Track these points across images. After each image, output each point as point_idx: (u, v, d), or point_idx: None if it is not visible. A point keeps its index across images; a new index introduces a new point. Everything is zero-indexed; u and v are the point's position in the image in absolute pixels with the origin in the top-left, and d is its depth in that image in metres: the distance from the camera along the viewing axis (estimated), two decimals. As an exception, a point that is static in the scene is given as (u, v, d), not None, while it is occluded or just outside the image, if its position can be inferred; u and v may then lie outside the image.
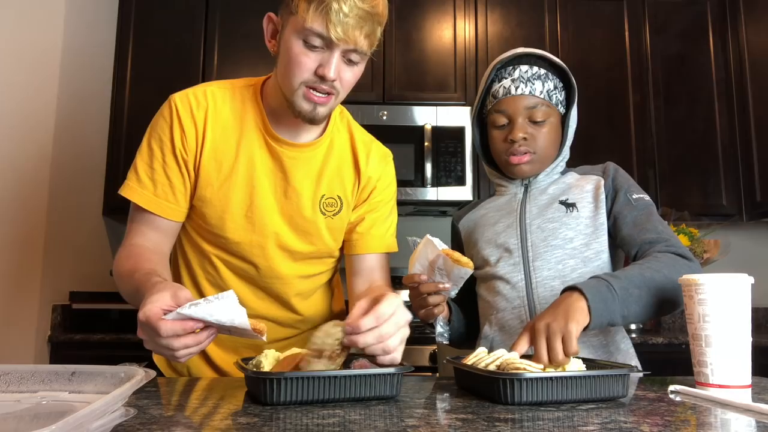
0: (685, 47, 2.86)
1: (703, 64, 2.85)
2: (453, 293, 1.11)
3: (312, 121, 1.07)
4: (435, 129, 2.63)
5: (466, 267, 1.04)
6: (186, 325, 0.80)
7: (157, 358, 1.28)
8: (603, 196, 1.22)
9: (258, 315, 1.18)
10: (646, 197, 1.21)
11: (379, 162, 1.24)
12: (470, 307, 1.31)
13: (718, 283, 0.89)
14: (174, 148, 1.10)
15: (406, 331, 0.88)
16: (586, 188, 1.24)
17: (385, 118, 2.61)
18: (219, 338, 1.19)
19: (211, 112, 1.11)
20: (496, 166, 1.32)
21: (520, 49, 1.27)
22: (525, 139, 1.22)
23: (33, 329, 2.21)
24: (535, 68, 1.24)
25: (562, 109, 1.27)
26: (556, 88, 1.25)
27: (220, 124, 1.12)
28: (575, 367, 0.87)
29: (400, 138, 2.46)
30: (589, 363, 0.90)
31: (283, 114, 1.12)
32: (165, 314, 0.80)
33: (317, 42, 1.00)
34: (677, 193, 2.72)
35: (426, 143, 2.59)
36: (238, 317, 0.80)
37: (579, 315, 0.96)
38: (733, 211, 2.75)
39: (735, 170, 2.77)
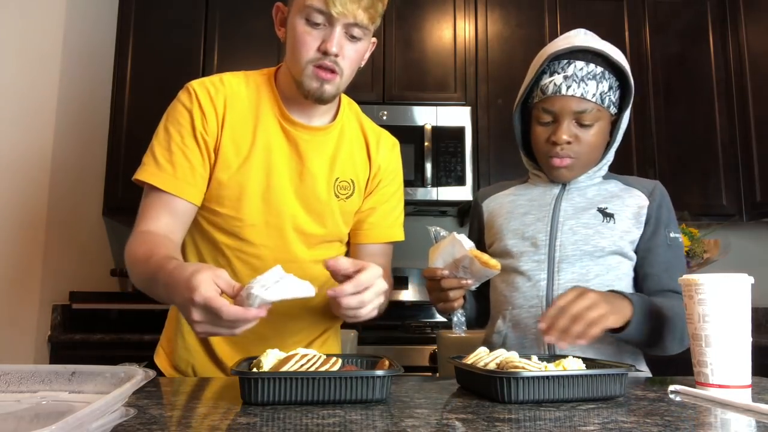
0: (685, 47, 2.86)
1: (703, 64, 2.85)
2: (473, 288, 1.11)
3: (320, 99, 1.10)
4: (435, 129, 2.63)
5: (493, 269, 1.04)
6: (249, 313, 0.83)
7: (158, 359, 1.27)
8: (644, 219, 1.19)
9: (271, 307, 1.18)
10: (680, 237, 1.20)
11: (389, 150, 1.28)
12: (481, 287, 1.29)
13: (718, 283, 0.88)
14: (194, 131, 1.12)
15: (380, 300, 0.97)
16: (628, 202, 1.20)
17: (385, 118, 2.61)
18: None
19: (229, 97, 1.15)
20: (532, 156, 1.28)
21: (578, 41, 1.17)
22: (569, 143, 1.17)
23: (33, 329, 2.21)
24: (592, 66, 1.16)
25: (614, 110, 1.20)
26: (611, 88, 1.18)
27: (237, 109, 1.15)
28: (575, 366, 0.87)
29: (400, 138, 2.45)
30: (588, 362, 0.90)
31: (295, 99, 1.15)
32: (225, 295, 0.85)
33: (319, 19, 1.05)
34: (677, 193, 2.69)
35: (426, 143, 2.59)
36: (308, 290, 0.87)
37: (618, 317, 1.00)
38: (733, 211, 2.76)
39: (735, 170, 2.77)
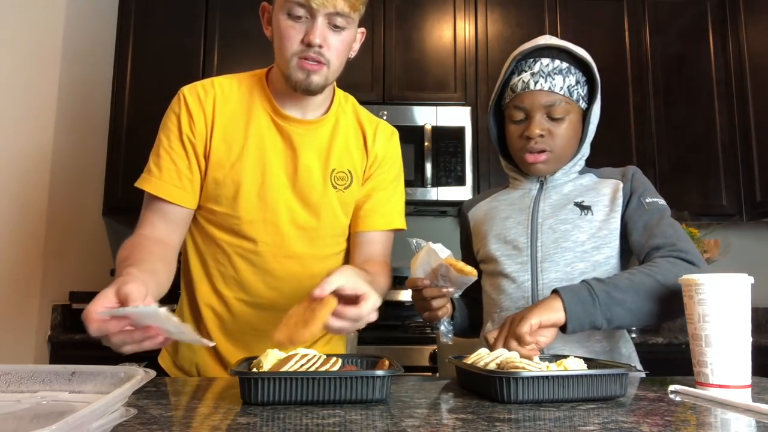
0: (685, 47, 2.86)
1: (703, 64, 2.85)
2: (456, 295, 1.11)
3: (308, 90, 1.12)
4: (435, 129, 2.63)
5: (470, 276, 1.04)
6: (110, 326, 0.80)
7: (162, 359, 1.27)
8: (620, 201, 1.19)
9: (270, 305, 1.18)
10: (660, 201, 1.19)
11: (387, 140, 1.28)
12: (475, 294, 1.30)
13: (718, 283, 0.88)
14: (181, 134, 1.15)
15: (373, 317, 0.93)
16: (604, 191, 1.21)
17: (385, 118, 2.61)
18: (229, 332, 1.19)
19: (219, 98, 1.17)
20: (512, 159, 1.30)
21: (542, 40, 1.22)
22: (542, 136, 1.18)
23: (33, 329, 2.21)
24: (557, 62, 1.19)
25: (583, 104, 1.23)
26: (578, 82, 1.21)
27: (228, 109, 1.17)
28: (576, 366, 0.87)
29: (400, 138, 2.48)
30: (590, 363, 0.90)
31: (288, 94, 1.17)
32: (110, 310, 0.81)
33: (300, 12, 1.07)
34: (677, 193, 2.72)
35: (426, 143, 2.59)
36: (164, 319, 0.79)
37: (545, 311, 1.00)
38: (733, 211, 2.76)
39: (735, 170, 2.77)
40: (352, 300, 0.90)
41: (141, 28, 2.74)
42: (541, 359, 0.91)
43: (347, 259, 1.29)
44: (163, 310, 0.79)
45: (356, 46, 1.19)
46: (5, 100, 2.26)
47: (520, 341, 0.97)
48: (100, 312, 0.79)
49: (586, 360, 0.91)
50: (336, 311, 0.87)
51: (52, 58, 2.33)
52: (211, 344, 0.84)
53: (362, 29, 1.20)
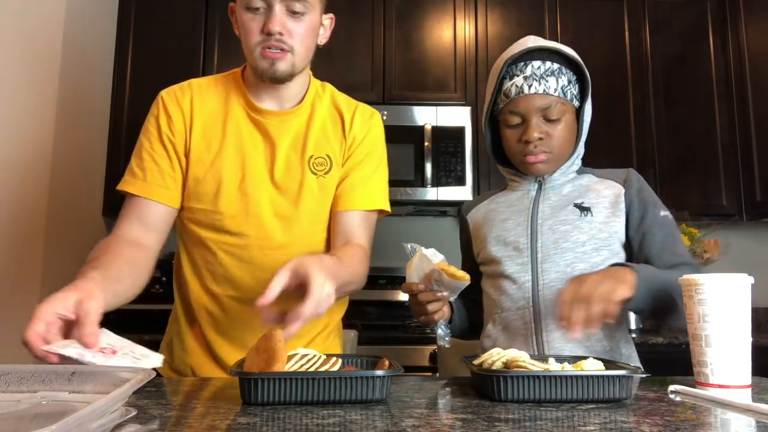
0: (685, 47, 2.86)
1: (703, 64, 2.85)
2: (451, 299, 1.12)
3: (274, 78, 1.14)
4: (435, 129, 2.63)
5: (462, 280, 1.05)
6: (52, 359, 0.81)
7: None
8: (623, 206, 1.20)
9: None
10: (670, 215, 1.21)
11: (365, 121, 1.27)
12: (474, 296, 1.30)
13: (718, 283, 0.88)
14: (161, 135, 1.18)
15: (331, 300, 0.93)
16: (604, 193, 1.22)
17: (385, 118, 2.60)
18: (223, 331, 1.19)
19: (196, 97, 1.20)
20: (508, 162, 1.30)
21: (530, 42, 1.22)
22: (540, 139, 1.19)
23: (33, 329, 2.20)
24: (548, 63, 1.20)
25: (576, 103, 1.24)
26: (570, 82, 1.21)
27: (206, 108, 1.20)
28: (594, 367, 0.86)
29: (400, 138, 2.45)
30: (607, 363, 0.89)
31: (262, 87, 1.19)
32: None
33: (258, 3, 1.10)
34: (677, 193, 2.72)
35: (426, 143, 2.59)
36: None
37: (626, 286, 0.99)
38: (733, 211, 2.76)
39: (735, 170, 2.77)
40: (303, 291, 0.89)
41: (141, 28, 2.74)
42: (559, 360, 0.90)
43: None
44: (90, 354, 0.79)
45: (325, 32, 1.21)
46: (5, 100, 2.25)
47: (609, 315, 0.95)
48: (44, 348, 0.82)
49: (605, 362, 0.90)
50: (291, 316, 0.87)
51: (52, 57, 2.32)
52: (160, 358, 0.85)
53: (330, 15, 1.22)
